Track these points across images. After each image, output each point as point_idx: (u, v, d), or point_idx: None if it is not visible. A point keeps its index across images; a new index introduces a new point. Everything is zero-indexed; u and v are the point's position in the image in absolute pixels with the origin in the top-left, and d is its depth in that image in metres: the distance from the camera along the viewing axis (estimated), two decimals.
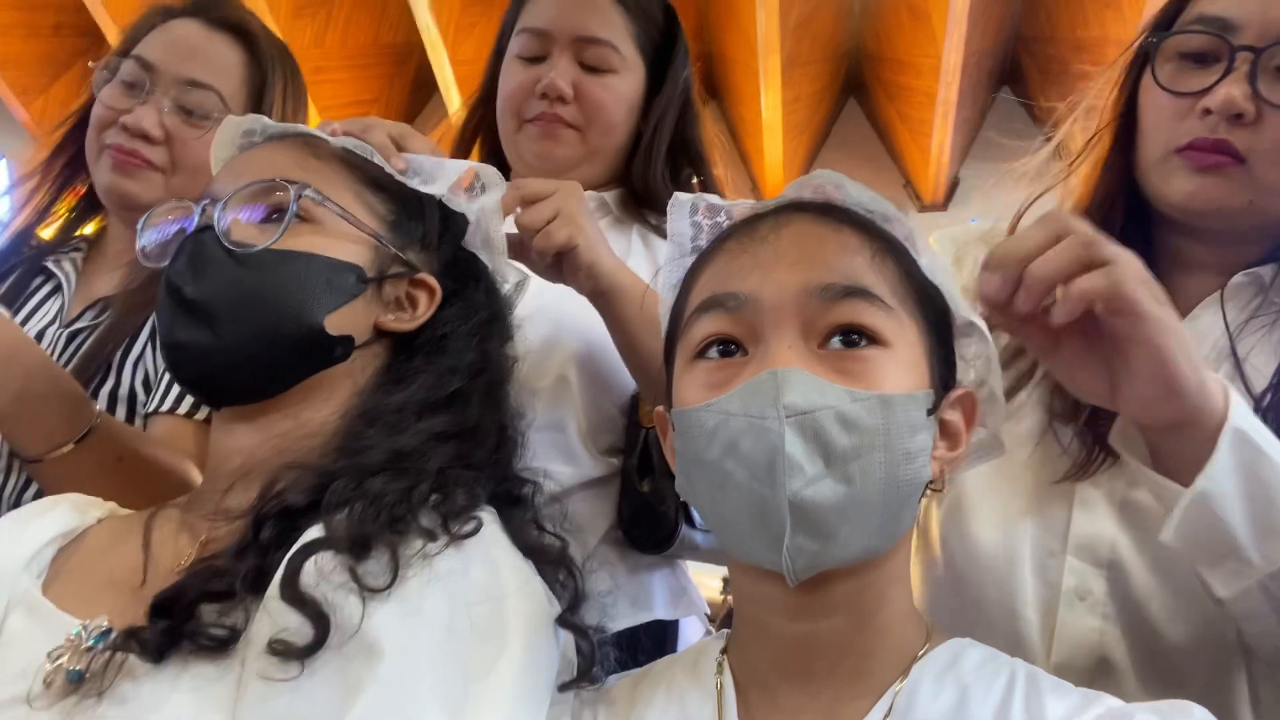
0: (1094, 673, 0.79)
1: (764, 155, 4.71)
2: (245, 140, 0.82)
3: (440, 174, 0.80)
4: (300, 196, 0.71)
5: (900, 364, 0.60)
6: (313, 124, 0.86)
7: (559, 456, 1.00)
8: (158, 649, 0.58)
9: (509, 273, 0.85)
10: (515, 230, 0.89)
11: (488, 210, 0.81)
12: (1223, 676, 0.78)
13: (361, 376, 0.74)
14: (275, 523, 0.63)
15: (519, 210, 0.89)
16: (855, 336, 0.59)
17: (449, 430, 0.71)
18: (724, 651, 0.66)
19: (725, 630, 0.69)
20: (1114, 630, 0.80)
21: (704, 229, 0.70)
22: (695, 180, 1.17)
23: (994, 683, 0.59)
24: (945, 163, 4.44)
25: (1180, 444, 0.65)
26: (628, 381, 1.04)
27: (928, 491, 0.62)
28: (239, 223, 0.72)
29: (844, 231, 0.63)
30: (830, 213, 0.65)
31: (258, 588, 0.60)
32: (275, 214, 0.72)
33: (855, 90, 5.16)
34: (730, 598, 1.18)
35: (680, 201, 0.71)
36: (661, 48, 1.14)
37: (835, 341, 0.59)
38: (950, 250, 0.99)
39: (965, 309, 0.67)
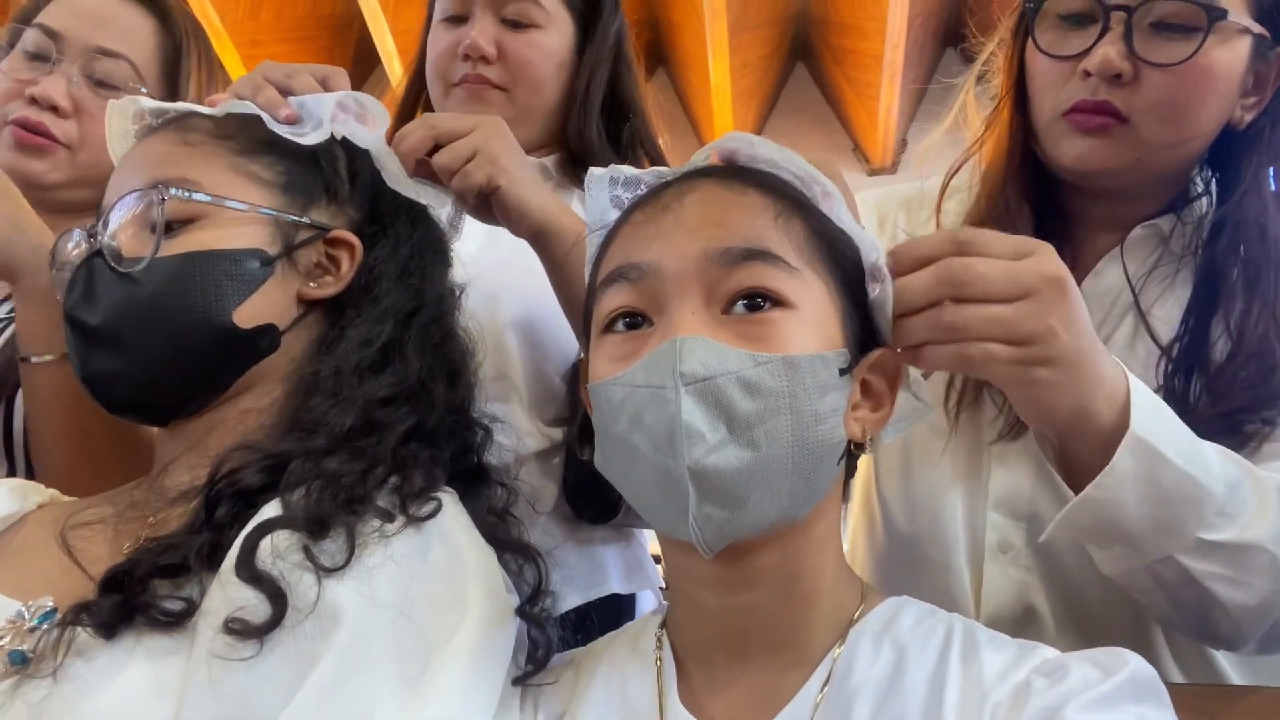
0: (1021, 621, 0.82)
1: (713, 121, 4.69)
2: (138, 125, 0.79)
3: (325, 113, 0.76)
4: (164, 200, 0.68)
5: (806, 325, 0.59)
6: None
7: (502, 429, 0.99)
8: (109, 623, 0.57)
9: (438, 197, 0.81)
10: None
11: (378, 146, 0.78)
12: (1140, 622, 0.80)
13: (297, 350, 0.72)
14: (230, 502, 0.62)
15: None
16: (759, 300, 0.58)
17: (394, 393, 0.69)
18: (662, 627, 0.66)
19: (665, 606, 0.69)
20: (1036, 581, 0.82)
21: (622, 201, 0.69)
22: (639, 141, 1.14)
23: (930, 640, 0.59)
24: (893, 125, 4.45)
25: (1080, 444, 0.65)
26: (569, 350, 1.03)
27: (859, 453, 0.62)
28: (127, 238, 0.69)
29: (748, 194, 0.62)
30: (736, 176, 0.64)
31: (213, 562, 0.59)
32: (161, 223, 0.69)
33: (803, 54, 5.14)
34: None
35: (597, 175, 0.70)
36: (590, 2, 1.12)
37: (739, 307, 0.59)
38: (873, 213, 0.99)
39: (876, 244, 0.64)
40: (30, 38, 1.03)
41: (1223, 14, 0.75)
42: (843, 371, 0.59)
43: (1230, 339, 0.77)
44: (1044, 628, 0.82)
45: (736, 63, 4.40)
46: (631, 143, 1.14)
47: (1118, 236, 0.86)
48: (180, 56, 1.07)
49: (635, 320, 0.61)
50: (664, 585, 1.15)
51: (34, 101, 0.99)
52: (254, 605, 0.56)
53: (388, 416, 0.68)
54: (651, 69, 5.36)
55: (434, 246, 0.79)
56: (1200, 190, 0.87)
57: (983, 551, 0.83)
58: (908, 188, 1.01)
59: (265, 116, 0.74)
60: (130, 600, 0.57)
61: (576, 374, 1.03)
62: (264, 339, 0.70)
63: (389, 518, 0.61)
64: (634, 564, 1.08)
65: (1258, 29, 0.77)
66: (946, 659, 0.58)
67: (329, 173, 0.76)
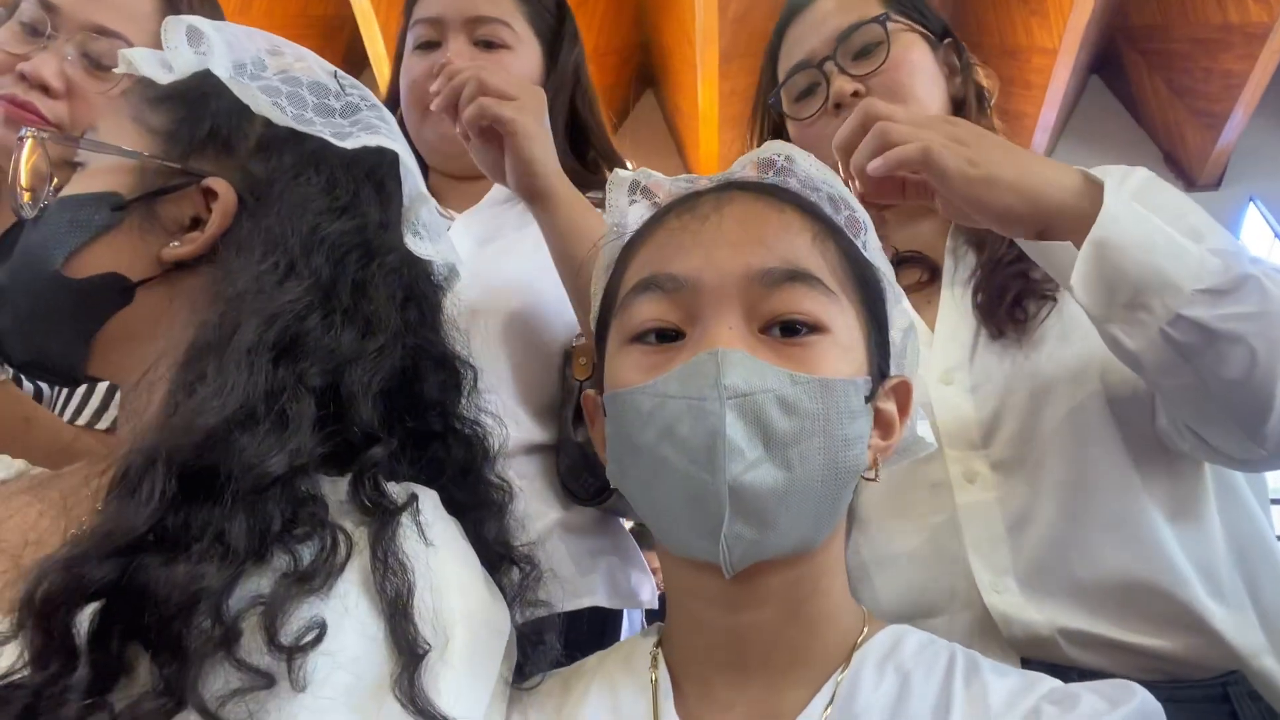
0: (1014, 530, 0.81)
1: (699, 146, 4.73)
2: None
3: (181, 60, 0.67)
4: (29, 139, 0.65)
5: (840, 349, 0.59)
6: None
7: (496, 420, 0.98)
8: None
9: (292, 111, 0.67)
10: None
11: (240, 87, 0.66)
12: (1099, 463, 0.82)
13: (172, 330, 0.61)
14: (66, 613, 0.47)
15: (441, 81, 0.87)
16: (796, 325, 0.58)
17: (230, 416, 0.53)
18: (658, 645, 0.65)
19: (659, 624, 0.68)
20: (1008, 488, 0.82)
21: (642, 206, 0.68)
22: (604, 160, 1.17)
23: (934, 666, 0.59)
24: None
25: (1056, 228, 0.71)
26: (556, 338, 1.03)
27: (868, 480, 0.62)
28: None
29: (786, 212, 0.62)
30: (772, 192, 0.64)
31: (108, 685, 0.47)
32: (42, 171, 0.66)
33: None
34: None
35: (620, 178, 0.69)
36: (555, 31, 1.15)
37: (775, 330, 0.58)
38: None
39: (900, 295, 0.67)
40: (27, 9, 0.97)
41: (886, 16, 0.95)
42: (866, 399, 0.59)
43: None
44: (1036, 520, 0.81)
45: (725, 90, 4.44)
46: (596, 161, 1.17)
47: (933, 226, 0.95)
48: None
49: (667, 333, 0.60)
50: (656, 609, 1.14)
51: (24, 78, 0.95)
52: None
53: (227, 463, 0.52)
54: (640, 91, 5.40)
55: (331, 201, 0.65)
56: None
57: (951, 493, 0.84)
58: None
59: (136, 56, 0.68)
60: None
61: (567, 360, 1.03)
62: (106, 290, 0.62)
63: (261, 679, 0.47)
64: (623, 580, 1.07)
65: (918, 27, 0.96)
66: (950, 685, 0.57)
67: (226, 120, 0.66)
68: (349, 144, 0.67)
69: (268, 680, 0.47)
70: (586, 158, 1.18)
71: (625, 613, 1.10)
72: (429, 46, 1.10)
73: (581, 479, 1.00)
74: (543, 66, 1.13)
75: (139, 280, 0.62)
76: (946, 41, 0.99)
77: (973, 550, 0.80)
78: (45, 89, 0.94)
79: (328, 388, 0.58)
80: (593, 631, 1.01)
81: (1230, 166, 4.98)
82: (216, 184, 0.63)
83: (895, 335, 0.66)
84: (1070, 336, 0.82)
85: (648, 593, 1.10)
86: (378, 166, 0.69)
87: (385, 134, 0.69)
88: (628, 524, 1.14)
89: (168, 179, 0.63)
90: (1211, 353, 0.68)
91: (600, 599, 1.02)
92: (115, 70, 0.69)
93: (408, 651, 0.51)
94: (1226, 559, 0.78)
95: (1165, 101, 5.04)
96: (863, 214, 0.65)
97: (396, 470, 0.61)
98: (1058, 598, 0.77)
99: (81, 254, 0.61)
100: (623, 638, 1.07)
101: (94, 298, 0.61)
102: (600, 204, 1.10)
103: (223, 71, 0.66)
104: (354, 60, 4.47)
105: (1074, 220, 0.69)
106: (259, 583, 0.50)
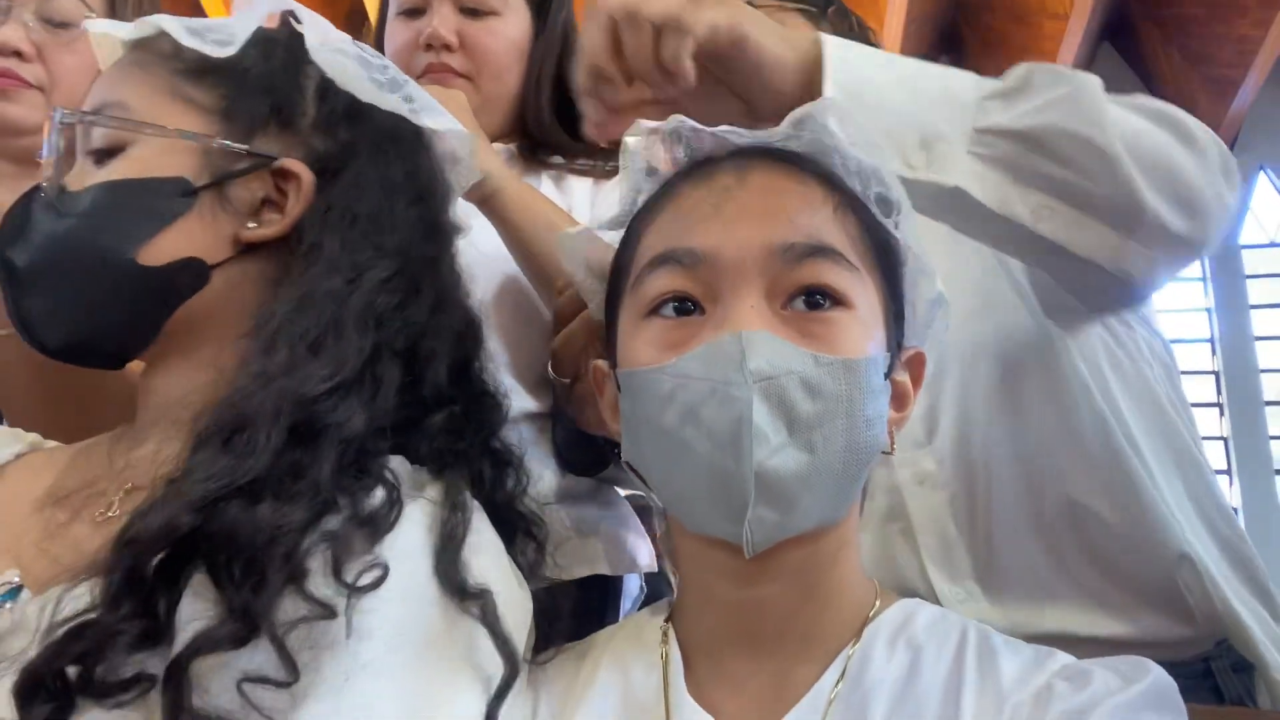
0: (966, 529, 0.81)
1: None
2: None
3: (238, 29, 0.66)
4: (61, 125, 0.63)
5: (861, 325, 0.57)
6: None
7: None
8: None
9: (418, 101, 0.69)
10: None
11: (333, 61, 0.67)
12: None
13: (249, 299, 0.62)
14: (160, 567, 0.50)
15: None
16: (819, 298, 0.57)
17: (333, 385, 0.56)
18: (668, 620, 0.65)
19: (668, 599, 0.67)
20: (956, 484, 0.82)
21: (661, 158, 0.65)
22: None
23: (945, 642, 0.59)
24: None
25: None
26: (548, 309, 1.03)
27: (884, 454, 0.61)
28: (79, 170, 0.64)
29: (808, 184, 0.60)
30: (792, 161, 0.62)
31: (156, 639, 0.49)
32: (95, 151, 0.64)
33: None
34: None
35: (643, 127, 0.65)
36: None
37: (798, 303, 0.57)
38: None
39: (931, 269, 0.63)
40: None
41: (750, 2, 0.88)
42: (885, 375, 0.58)
43: None
44: (992, 525, 0.81)
45: None
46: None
47: None
48: None
49: (684, 306, 0.58)
50: (657, 572, 1.15)
51: None
52: None
53: (329, 418, 0.56)
54: None
55: (412, 183, 0.67)
56: None
57: (902, 493, 0.83)
58: None
59: (173, 28, 0.66)
60: (62, 704, 0.48)
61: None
62: (184, 275, 0.62)
63: (325, 610, 0.49)
64: (623, 546, 1.08)
65: (793, 5, 0.93)
66: (962, 662, 0.57)
67: (285, 97, 0.66)
68: (428, 123, 0.69)
69: (330, 612, 0.49)
70: (576, 124, 1.16)
71: (624, 577, 1.10)
72: (413, 13, 1.08)
73: (578, 452, 1.00)
74: (531, 30, 1.11)
75: (215, 263, 0.62)
76: (831, 10, 0.97)
77: (929, 559, 0.80)
78: (19, 55, 0.99)
79: (408, 356, 0.62)
80: (600, 599, 1.01)
81: (1241, 135, 4.92)
82: (294, 165, 0.64)
83: (921, 307, 0.64)
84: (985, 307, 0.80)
85: (646, 556, 1.10)
86: (432, 141, 0.71)
87: (442, 112, 0.71)
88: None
89: (236, 161, 0.63)
90: (1040, 159, 0.63)
91: (603, 566, 1.02)
92: (148, 40, 0.68)
93: (458, 592, 0.54)
94: (1193, 513, 0.78)
95: (1178, 68, 4.97)
96: (898, 194, 0.61)
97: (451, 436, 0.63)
98: (1023, 594, 0.77)
99: (157, 240, 0.61)
100: (622, 597, 1.08)
101: (173, 283, 0.62)
102: (588, 172, 1.09)
103: (315, 43, 0.67)
104: (354, 16, 4.41)
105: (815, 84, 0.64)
106: (326, 523, 0.53)
